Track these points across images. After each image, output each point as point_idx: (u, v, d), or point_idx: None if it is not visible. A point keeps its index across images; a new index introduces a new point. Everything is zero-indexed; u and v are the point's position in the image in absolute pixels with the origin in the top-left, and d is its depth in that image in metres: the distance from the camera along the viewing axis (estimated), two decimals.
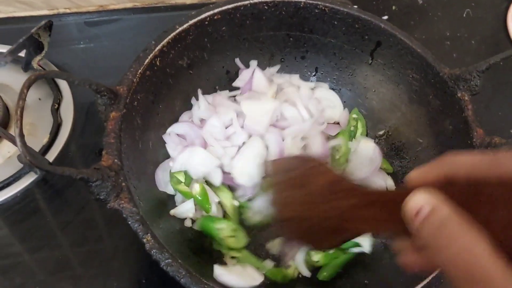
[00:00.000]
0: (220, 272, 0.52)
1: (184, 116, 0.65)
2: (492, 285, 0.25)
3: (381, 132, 0.68)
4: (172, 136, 0.63)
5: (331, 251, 0.58)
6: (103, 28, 0.83)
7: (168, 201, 0.60)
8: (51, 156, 0.67)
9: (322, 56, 0.69)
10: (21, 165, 0.66)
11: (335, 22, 0.65)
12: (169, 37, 0.58)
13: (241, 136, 0.62)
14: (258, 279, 0.54)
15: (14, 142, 0.62)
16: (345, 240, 0.39)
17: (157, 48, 0.57)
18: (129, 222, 0.46)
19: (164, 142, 0.62)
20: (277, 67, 0.71)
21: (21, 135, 0.43)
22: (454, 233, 0.28)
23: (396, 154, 0.66)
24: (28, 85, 0.45)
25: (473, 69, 0.57)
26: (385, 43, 0.64)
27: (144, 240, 0.46)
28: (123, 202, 0.47)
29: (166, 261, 0.45)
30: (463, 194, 0.30)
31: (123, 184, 0.48)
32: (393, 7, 0.90)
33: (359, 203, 0.36)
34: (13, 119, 0.70)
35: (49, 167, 0.44)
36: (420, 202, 0.30)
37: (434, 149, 0.61)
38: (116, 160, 0.49)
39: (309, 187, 0.41)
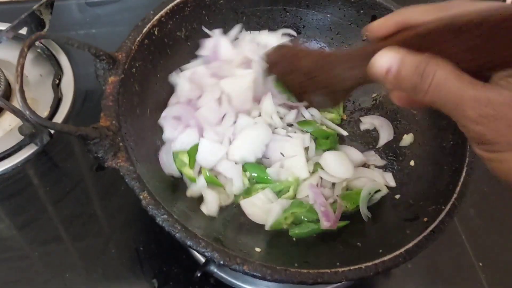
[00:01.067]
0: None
1: (173, 99, 0.64)
2: (467, 104, 0.31)
3: (374, 95, 0.69)
4: (168, 119, 0.61)
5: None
6: (104, 8, 0.85)
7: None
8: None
9: (318, 31, 0.70)
10: (22, 137, 0.67)
11: None
12: (168, 7, 0.59)
13: (232, 117, 0.62)
14: None
15: (15, 113, 0.64)
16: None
17: (155, 18, 0.58)
18: (126, 180, 0.47)
19: (158, 111, 0.62)
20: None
21: (21, 91, 0.44)
22: (425, 75, 0.33)
23: (393, 119, 0.67)
24: (29, 44, 0.46)
25: None
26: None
27: (141, 197, 0.47)
28: (120, 161, 0.48)
29: (162, 216, 0.46)
30: (420, 38, 0.34)
31: (121, 144, 0.49)
32: None
33: (347, 67, 0.45)
34: (14, 94, 0.72)
35: (48, 122, 0.45)
36: (386, 62, 0.35)
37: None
38: (114, 122, 0.50)
39: (299, 68, 0.51)
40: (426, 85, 0.33)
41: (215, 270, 0.60)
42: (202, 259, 0.61)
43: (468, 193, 0.51)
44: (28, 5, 0.76)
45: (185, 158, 0.59)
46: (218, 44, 0.65)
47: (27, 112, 0.44)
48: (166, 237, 0.62)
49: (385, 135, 0.66)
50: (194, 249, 0.46)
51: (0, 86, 0.68)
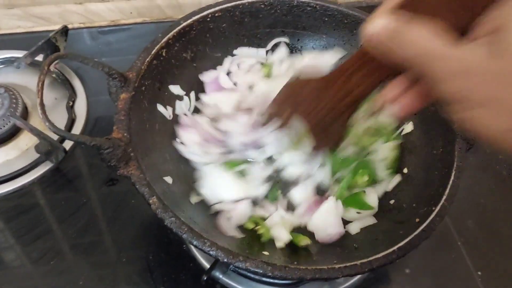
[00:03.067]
0: None
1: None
2: (443, 59, 0.31)
3: None
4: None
5: None
6: (115, 35, 0.91)
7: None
8: (66, 145, 0.73)
9: (315, 51, 0.75)
10: (37, 156, 0.72)
11: (326, 19, 0.71)
12: (175, 30, 0.64)
13: None
14: None
15: (32, 131, 0.68)
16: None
17: (163, 40, 0.63)
18: (136, 186, 0.51)
19: (166, 127, 0.66)
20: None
21: (42, 104, 0.49)
22: (406, 35, 0.33)
23: None
24: (49, 63, 0.51)
25: None
26: None
27: (150, 202, 0.50)
28: (131, 169, 0.52)
29: (170, 219, 0.49)
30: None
31: (132, 154, 0.53)
32: None
33: (345, 79, 0.47)
34: (31, 115, 0.77)
35: (65, 132, 0.50)
36: (372, 24, 0.35)
37: None
38: (125, 134, 0.54)
39: (304, 97, 0.53)
40: (403, 40, 0.33)
41: (221, 276, 0.62)
42: (207, 265, 0.64)
43: (456, 195, 0.54)
44: (43, 34, 0.82)
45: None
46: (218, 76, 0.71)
47: (47, 124, 0.48)
48: (174, 247, 0.66)
49: None
50: (199, 249, 0.49)
51: (18, 108, 0.73)
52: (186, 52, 0.68)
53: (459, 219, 0.73)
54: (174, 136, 0.65)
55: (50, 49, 0.79)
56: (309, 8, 0.71)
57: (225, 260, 0.48)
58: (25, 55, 0.76)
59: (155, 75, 0.63)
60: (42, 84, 0.49)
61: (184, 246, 0.67)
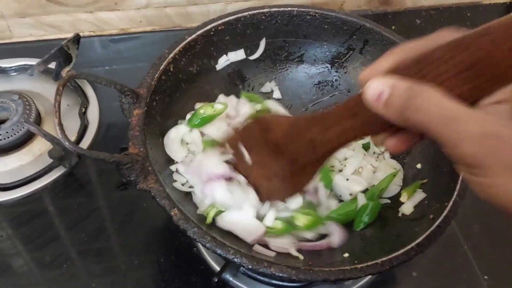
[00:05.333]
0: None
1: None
2: (461, 121, 0.29)
3: None
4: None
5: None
6: (125, 44, 0.94)
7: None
8: None
9: (316, 57, 0.77)
10: (51, 161, 0.74)
11: (326, 26, 0.73)
12: (180, 46, 0.66)
13: None
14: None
15: (46, 137, 0.70)
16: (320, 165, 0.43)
17: (170, 55, 0.65)
18: (157, 199, 0.52)
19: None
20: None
21: (60, 124, 0.50)
22: (419, 99, 0.31)
23: None
24: (63, 83, 0.52)
25: None
26: (372, 40, 0.72)
27: (172, 213, 0.51)
28: (150, 183, 0.53)
29: (192, 229, 0.50)
30: (412, 69, 0.33)
31: (150, 168, 0.54)
32: (393, 27, 0.99)
33: (320, 129, 0.41)
34: (44, 121, 0.80)
35: (85, 150, 0.51)
36: (378, 87, 0.33)
37: None
38: (142, 149, 0.55)
39: (267, 140, 0.46)
40: (417, 102, 0.31)
41: (231, 278, 0.63)
42: (218, 268, 0.65)
43: (467, 191, 0.56)
44: (54, 42, 0.85)
45: None
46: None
47: (67, 143, 0.49)
48: (185, 250, 0.68)
49: None
50: (223, 257, 0.50)
51: (32, 114, 0.76)
52: (192, 66, 0.69)
53: (465, 224, 0.74)
54: None
55: (62, 57, 0.80)
56: (308, 17, 0.73)
57: (250, 267, 0.49)
58: (38, 63, 0.78)
59: (164, 90, 0.64)
60: (59, 105, 0.50)
61: (194, 249, 0.68)
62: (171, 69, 0.65)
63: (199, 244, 0.51)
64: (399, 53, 0.35)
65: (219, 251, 0.49)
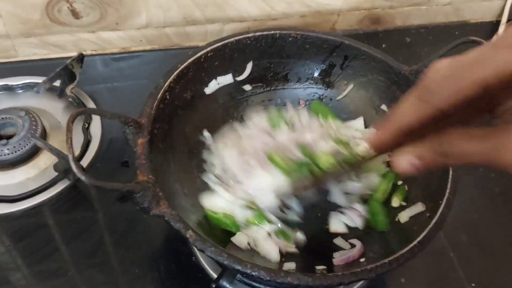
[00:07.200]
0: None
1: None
2: (497, 145, 0.30)
3: None
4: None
5: None
6: (126, 62, 0.97)
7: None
8: (83, 163, 0.79)
9: (300, 75, 0.81)
10: (55, 174, 0.76)
11: (307, 46, 0.78)
12: (174, 74, 0.69)
13: None
14: None
15: (52, 151, 0.73)
16: None
17: (166, 84, 0.67)
18: (171, 223, 0.54)
19: (181, 164, 0.70)
20: None
21: (74, 160, 0.51)
22: (445, 150, 0.33)
23: None
24: (72, 120, 0.54)
25: (428, 62, 0.70)
26: (351, 56, 0.77)
27: (187, 235, 0.53)
28: (163, 208, 0.55)
29: (210, 249, 0.52)
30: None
31: (160, 193, 0.56)
32: (383, 45, 1.04)
33: None
34: (49, 136, 0.83)
35: (100, 182, 0.52)
36: (406, 161, 0.35)
37: None
38: (150, 176, 0.57)
39: None
40: (453, 157, 0.32)
41: (228, 285, 0.66)
42: (215, 275, 0.68)
43: (458, 189, 0.60)
44: (58, 61, 0.87)
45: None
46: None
47: (83, 177, 0.51)
48: (184, 259, 0.70)
49: None
50: (241, 272, 0.52)
51: (38, 130, 0.78)
52: (186, 92, 0.72)
53: (453, 234, 0.77)
54: (188, 171, 0.70)
55: (66, 75, 0.83)
56: (290, 39, 0.77)
57: (268, 278, 0.51)
58: (44, 81, 0.80)
59: (163, 118, 0.67)
60: (71, 141, 0.52)
61: (193, 258, 0.70)
62: (167, 97, 0.68)
63: (215, 260, 0.54)
64: (402, 117, 0.35)
65: (237, 267, 0.52)
